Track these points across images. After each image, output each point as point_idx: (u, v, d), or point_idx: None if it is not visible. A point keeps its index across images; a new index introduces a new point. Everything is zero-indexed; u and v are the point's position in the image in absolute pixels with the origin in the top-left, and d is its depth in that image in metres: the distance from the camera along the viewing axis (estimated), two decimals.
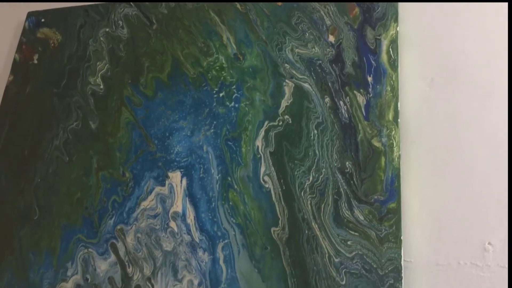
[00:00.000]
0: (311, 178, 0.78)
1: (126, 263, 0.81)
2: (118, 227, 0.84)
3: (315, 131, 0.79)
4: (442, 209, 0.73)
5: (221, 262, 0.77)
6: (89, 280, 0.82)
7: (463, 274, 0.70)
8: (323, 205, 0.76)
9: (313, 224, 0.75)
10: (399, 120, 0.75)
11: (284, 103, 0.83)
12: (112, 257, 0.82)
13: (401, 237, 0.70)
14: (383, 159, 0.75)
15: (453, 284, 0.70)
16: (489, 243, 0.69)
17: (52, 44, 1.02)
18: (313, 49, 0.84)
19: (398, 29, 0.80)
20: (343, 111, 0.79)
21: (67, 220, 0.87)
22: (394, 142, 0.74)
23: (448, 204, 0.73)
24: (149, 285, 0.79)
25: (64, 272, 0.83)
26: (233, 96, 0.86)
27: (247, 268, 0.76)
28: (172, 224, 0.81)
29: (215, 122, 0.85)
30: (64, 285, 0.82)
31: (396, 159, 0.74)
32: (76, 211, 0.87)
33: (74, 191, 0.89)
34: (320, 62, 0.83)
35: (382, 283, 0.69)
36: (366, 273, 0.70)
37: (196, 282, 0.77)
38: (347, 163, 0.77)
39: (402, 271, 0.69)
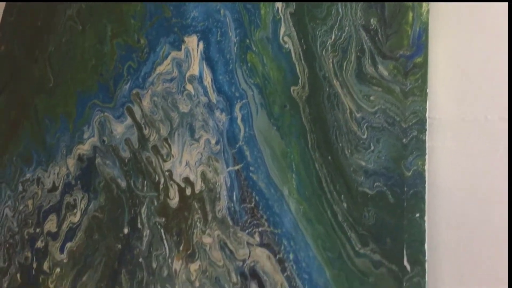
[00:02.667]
0: (333, 37, 0.72)
1: (143, 125, 0.77)
2: (134, 91, 0.79)
3: None
4: (469, 65, 0.68)
5: (238, 121, 0.73)
6: (106, 142, 0.78)
7: (491, 129, 0.65)
8: (345, 63, 0.70)
9: (334, 82, 0.70)
10: None
11: None
12: (128, 120, 0.78)
13: (427, 90, 0.65)
14: (410, 14, 0.68)
15: (480, 140, 0.65)
16: None
17: None
18: None
19: None
20: None
21: (82, 87, 0.82)
22: None
23: (476, 61, 0.68)
24: (166, 145, 0.75)
25: (81, 135, 0.80)
26: None
27: (265, 126, 0.72)
28: (189, 87, 0.77)
29: None
30: (81, 147, 0.79)
31: (425, 14, 0.68)
32: (91, 77, 0.83)
33: (88, 59, 0.84)
34: None
35: (405, 135, 0.65)
36: (389, 126, 0.66)
37: (213, 141, 0.74)
38: (371, 19, 0.70)
39: (427, 123, 0.65)
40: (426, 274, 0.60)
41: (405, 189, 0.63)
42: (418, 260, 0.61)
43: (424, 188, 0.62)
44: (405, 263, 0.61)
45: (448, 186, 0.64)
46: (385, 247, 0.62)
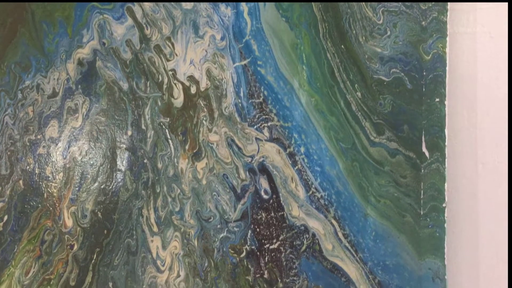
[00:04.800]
0: None
1: (144, 25, 0.71)
2: None
3: None
4: None
5: (245, 15, 0.67)
6: (106, 45, 0.73)
7: None
8: None
9: None
10: None
11: None
12: (129, 21, 0.72)
13: None
14: None
15: (504, 23, 0.59)
16: None
17: None
18: None
19: None
20: None
21: None
22: None
23: None
24: (169, 44, 0.69)
25: (80, 39, 0.74)
26: None
27: (273, 18, 0.66)
28: None
29: None
30: (81, 51, 0.74)
31: None
32: None
33: None
34: None
35: (424, 17, 0.59)
36: (407, 9, 0.60)
37: (218, 37, 0.68)
38: None
39: (448, 4, 0.58)
40: (446, 160, 0.55)
41: (424, 73, 0.58)
42: (438, 145, 0.56)
43: (444, 71, 0.57)
44: (424, 149, 0.56)
45: (469, 71, 0.59)
46: (402, 134, 0.57)
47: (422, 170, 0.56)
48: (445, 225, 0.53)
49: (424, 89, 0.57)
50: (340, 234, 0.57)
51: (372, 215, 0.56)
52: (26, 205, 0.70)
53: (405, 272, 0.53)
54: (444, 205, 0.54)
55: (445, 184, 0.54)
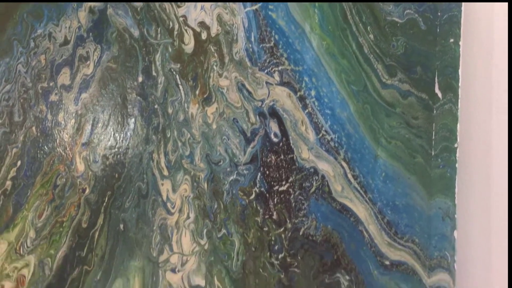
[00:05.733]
0: None
1: None
2: None
3: None
4: None
5: None
6: None
7: None
8: None
9: None
10: None
11: None
12: None
13: None
14: None
15: None
16: None
17: None
18: None
19: None
20: None
21: None
22: None
23: None
24: None
25: None
26: None
27: None
28: None
29: None
30: None
31: None
32: None
33: None
34: None
35: None
36: None
37: None
38: None
39: None
40: (459, 100, 0.54)
41: (439, 14, 0.56)
42: (451, 86, 0.54)
43: (460, 12, 0.55)
44: (436, 90, 0.55)
45: (486, 12, 0.57)
46: (414, 76, 0.56)
47: (435, 111, 0.55)
48: (456, 165, 0.52)
49: (438, 30, 0.55)
50: (349, 176, 0.56)
51: (382, 157, 0.55)
52: (39, 150, 0.70)
53: (415, 212, 0.53)
54: (456, 145, 0.53)
55: (458, 125, 0.53)
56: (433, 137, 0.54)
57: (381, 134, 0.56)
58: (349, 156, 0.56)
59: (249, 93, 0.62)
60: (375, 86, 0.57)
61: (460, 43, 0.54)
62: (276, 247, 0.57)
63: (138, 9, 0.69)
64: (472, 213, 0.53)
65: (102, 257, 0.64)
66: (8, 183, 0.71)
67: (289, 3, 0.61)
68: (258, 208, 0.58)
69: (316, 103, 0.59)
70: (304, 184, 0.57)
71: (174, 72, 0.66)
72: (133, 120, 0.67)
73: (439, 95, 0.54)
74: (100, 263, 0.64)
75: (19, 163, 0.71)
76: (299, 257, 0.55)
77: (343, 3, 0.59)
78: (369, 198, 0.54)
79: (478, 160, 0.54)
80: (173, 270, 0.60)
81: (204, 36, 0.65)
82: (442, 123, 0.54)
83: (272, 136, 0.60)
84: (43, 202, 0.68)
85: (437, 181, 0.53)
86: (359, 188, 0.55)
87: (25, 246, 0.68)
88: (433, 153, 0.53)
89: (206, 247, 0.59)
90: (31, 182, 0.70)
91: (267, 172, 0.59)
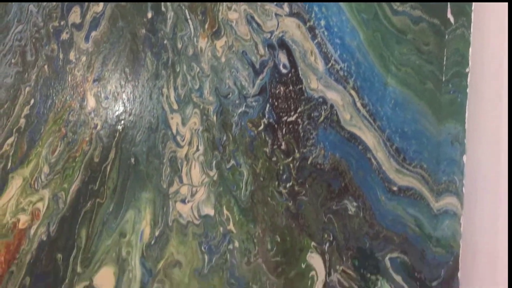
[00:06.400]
0: None
1: None
2: None
3: None
4: None
5: None
6: None
7: None
8: None
9: None
10: None
11: None
12: None
13: None
14: None
15: None
16: None
17: None
18: None
19: None
20: None
21: None
22: None
23: None
24: None
25: None
26: None
27: None
28: None
29: None
30: None
31: None
32: None
33: None
34: None
35: None
36: None
37: None
38: None
39: None
40: (472, 25, 0.52)
41: None
42: (463, 11, 0.53)
43: None
44: (449, 15, 0.53)
45: None
46: (426, 2, 0.54)
47: (446, 36, 0.53)
48: (467, 90, 0.51)
49: None
50: (358, 104, 0.55)
51: (392, 84, 0.54)
52: (51, 88, 0.71)
53: (424, 138, 0.52)
54: (467, 70, 0.52)
55: (470, 50, 0.52)
56: (444, 63, 0.53)
57: (391, 61, 0.55)
58: (358, 85, 0.56)
59: (258, 25, 0.61)
60: (386, 13, 0.56)
61: None
62: (284, 177, 0.57)
63: None
64: (482, 138, 0.52)
65: (114, 190, 0.65)
66: (22, 120, 0.71)
67: None
68: (267, 138, 0.58)
69: (326, 33, 0.58)
70: (312, 114, 0.57)
71: (183, 7, 0.65)
72: (142, 55, 0.67)
73: (451, 20, 0.53)
74: (112, 195, 0.65)
75: (32, 101, 0.71)
76: (307, 186, 0.55)
77: None
78: (378, 126, 0.54)
79: (489, 85, 0.53)
80: (183, 201, 0.61)
81: None
82: (453, 48, 0.53)
83: (281, 67, 0.59)
84: (56, 138, 0.69)
85: (447, 107, 0.52)
86: (367, 116, 0.54)
87: (40, 181, 0.69)
88: (443, 79, 0.52)
89: (215, 178, 0.60)
90: (44, 119, 0.70)
91: (276, 103, 0.59)
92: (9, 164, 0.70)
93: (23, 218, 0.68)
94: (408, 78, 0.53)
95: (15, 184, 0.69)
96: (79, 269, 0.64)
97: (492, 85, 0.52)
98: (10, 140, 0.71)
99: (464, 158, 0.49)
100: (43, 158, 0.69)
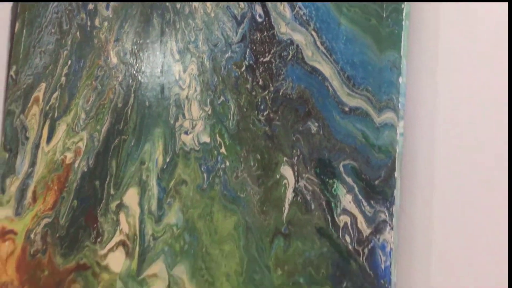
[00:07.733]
0: None
1: None
2: None
3: None
4: None
5: None
6: None
7: None
8: None
9: None
10: None
11: None
12: None
13: None
14: None
15: None
16: None
17: None
18: None
19: None
20: None
21: None
22: None
23: None
24: None
25: None
26: None
27: None
28: None
29: None
30: None
31: None
32: None
33: None
34: None
35: None
36: None
37: None
38: None
39: None
40: None
41: None
42: None
43: None
44: None
45: None
46: None
47: None
48: (403, 23, 0.60)
49: None
50: (318, 43, 0.66)
51: (344, 23, 0.64)
52: (83, 50, 0.87)
53: (369, 66, 0.62)
54: (403, 6, 0.61)
55: None
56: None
57: (343, 4, 0.64)
58: (318, 26, 0.66)
59: None
60: None
61: None
62: (262, 107, 0.69)
63: None
64: (419, 62, 0.61)
65: (134, 128, 0.80)
66: (63, 78, 0.88)
67: None
68: (248, 77, 0.70)
69: None
70: (282, 54, 0.68)
71: None
72: (150, 17, 0.80)
73: None
74: (133, 132, 0.80)
75: (69, 62, 0.88)
76: (279, 113, 0.67)
77: None
78: (333, 59, 0.64)
79: (423, 16, 0.61)
80: (186, 133, 0.75)
81: None
82: None
83: (257, 17, 0.70)
84: (89, 90, 0.85)
85: (387, 38, 0.61)
86: (325, 52, 0.65)
87: (79, 125, 0.85)
88: (384, 15, 0.62)
89: (209, 112, 0.73)
90: (79, 76, 0.86)
91: (254, 47, 0.70)
92: (56, 114, 0.87)
93: (69, 155, 0.85)
94: (356, 16, 0.63)
95: (61, 129, 0.86)
96: (112, 191, 0.80)
97: (426, 16, 0.61)
98: (55, 95, 0.88)
99: (400, 79, 0.59)
100: (80, 107, 0.85)
